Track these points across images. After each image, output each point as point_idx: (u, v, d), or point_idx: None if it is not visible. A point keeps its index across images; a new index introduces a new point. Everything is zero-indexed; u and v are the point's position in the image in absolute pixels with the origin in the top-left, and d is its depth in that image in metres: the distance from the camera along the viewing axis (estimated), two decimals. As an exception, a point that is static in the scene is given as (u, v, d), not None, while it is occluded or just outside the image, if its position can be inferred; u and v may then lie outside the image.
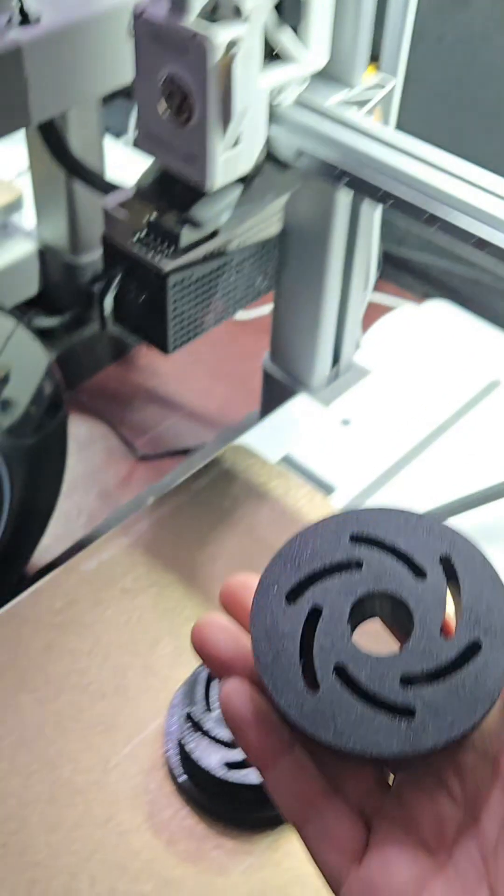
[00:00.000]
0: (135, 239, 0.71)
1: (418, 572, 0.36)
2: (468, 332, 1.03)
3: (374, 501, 0.84)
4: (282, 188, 0.75)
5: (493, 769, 0.35)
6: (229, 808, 0.62)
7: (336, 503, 0.82)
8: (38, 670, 0.69)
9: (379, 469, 0.86)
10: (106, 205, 0.72)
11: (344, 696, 0.34)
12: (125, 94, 1.42)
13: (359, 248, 0.85)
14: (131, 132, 1.40)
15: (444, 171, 0.63)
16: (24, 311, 1.15)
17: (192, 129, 0.64)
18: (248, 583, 0.37)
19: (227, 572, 0.41)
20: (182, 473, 1.01)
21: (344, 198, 0.81)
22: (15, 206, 1.16)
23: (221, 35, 0.59)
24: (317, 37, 0.67)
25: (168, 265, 0.71)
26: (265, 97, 0.67)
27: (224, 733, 0.62)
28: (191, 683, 0.65)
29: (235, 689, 0.35)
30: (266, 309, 1.17)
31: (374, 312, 0.93)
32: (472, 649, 0.35)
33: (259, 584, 0.37)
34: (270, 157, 0.71)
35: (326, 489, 0.84)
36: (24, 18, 0.73)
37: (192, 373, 1.22)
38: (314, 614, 0.36)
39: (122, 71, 0.78)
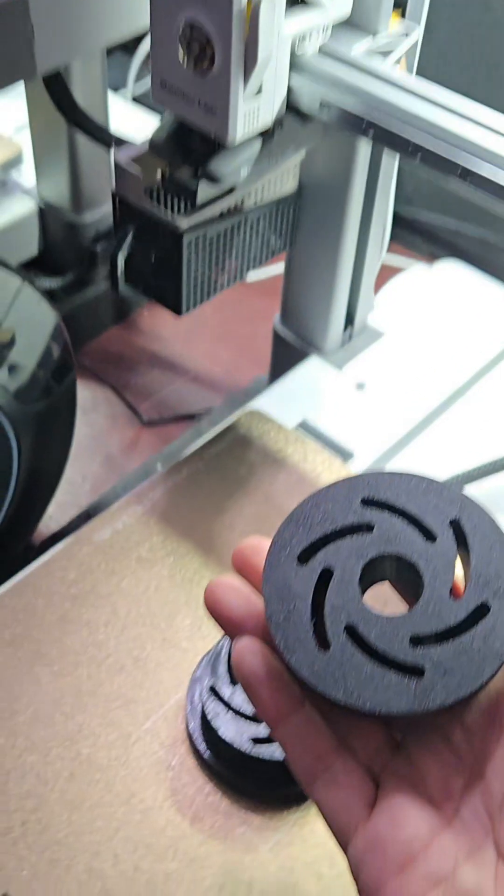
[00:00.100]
0: (148, 195, 0.68)
1: (428, 535, 0.37)
2: (482, 293, 1.00)
3: (392, 467, 0.82)
4: (302, 142, 0.72)
5: (499, 728, 0.36)
6: (256, 784, 0.60)
7: (354, 470, 0.80)
8: (54, 642, 0.67)
9: (396, 435, 0.84)
10: (118, 159, 0.69)
11: (354, 655, 0.35)
12: (124, 47, 1.38)
13: (377, 205, 0.82)
14: (131, 85, 1.36)
15: (479, 124, 0.60)
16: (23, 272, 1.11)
17: (212, 78, 0.61)
18: (260, 545, 0.38)
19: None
20: (190, 439, 0.99)
21: (364, 152, 0.78)
22: (14, 162, 1.13)
23: (247, -24, 0.56)
24: (342, -19, 0.64)
25: (184, 223, 0.68)
26: (288, 45, 0.64)
27: (249, 708, 0.60)
28: (213, 656, 0.63)
29: (248, 648, 0.36)
30: (272, 270, 1.14)
31: (381, 273, 0.90)
32: (481, 611, 0.35)
33: (271, 545, 0.37)
34: (291, 109, 0.68)
35: (345, 455, 0.81)
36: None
37: (196, 335, 1.19)
38: (325, 575, 0.37)
39: (134, 18, 0.74)
